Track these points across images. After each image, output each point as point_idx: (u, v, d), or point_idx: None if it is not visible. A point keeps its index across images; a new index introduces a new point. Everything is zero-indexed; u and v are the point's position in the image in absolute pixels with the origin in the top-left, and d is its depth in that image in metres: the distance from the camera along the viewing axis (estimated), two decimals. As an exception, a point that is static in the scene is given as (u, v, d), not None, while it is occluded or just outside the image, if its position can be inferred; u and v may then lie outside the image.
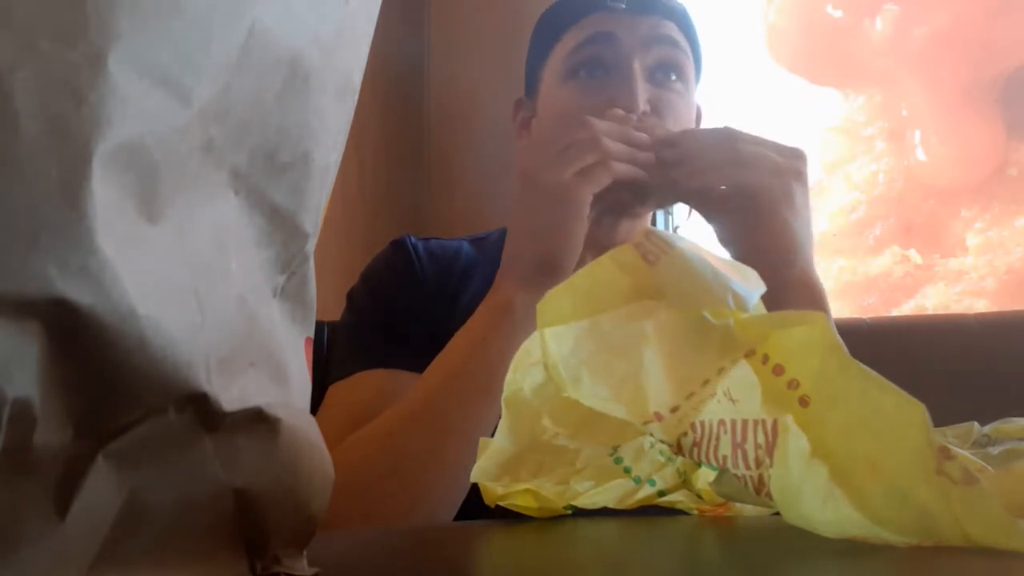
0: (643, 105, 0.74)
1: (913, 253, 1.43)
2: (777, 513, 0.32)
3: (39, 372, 0.18)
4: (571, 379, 0.34)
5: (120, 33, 0.20)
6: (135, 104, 0.20)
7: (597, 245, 0.80)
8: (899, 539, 0.27)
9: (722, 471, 0.34)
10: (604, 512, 0.42)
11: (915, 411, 0.27)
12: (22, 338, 0.18)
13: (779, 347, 0.30)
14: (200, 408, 0.22)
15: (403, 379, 0.71)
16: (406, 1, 1.46)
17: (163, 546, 0.22)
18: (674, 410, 0.33)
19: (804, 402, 0.29)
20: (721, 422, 0.32)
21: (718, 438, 0.33)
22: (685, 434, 0.35)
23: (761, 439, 0.31)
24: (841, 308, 1.40)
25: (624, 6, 0.77)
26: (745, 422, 0.31)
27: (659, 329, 0.32)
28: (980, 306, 1.38)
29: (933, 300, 1.41)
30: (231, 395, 0.23)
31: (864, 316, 1.17)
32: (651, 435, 0.38)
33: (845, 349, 0.29)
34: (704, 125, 0.87)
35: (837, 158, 1.50)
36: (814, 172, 1.51)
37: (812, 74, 1.53)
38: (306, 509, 0.27)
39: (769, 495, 0.31)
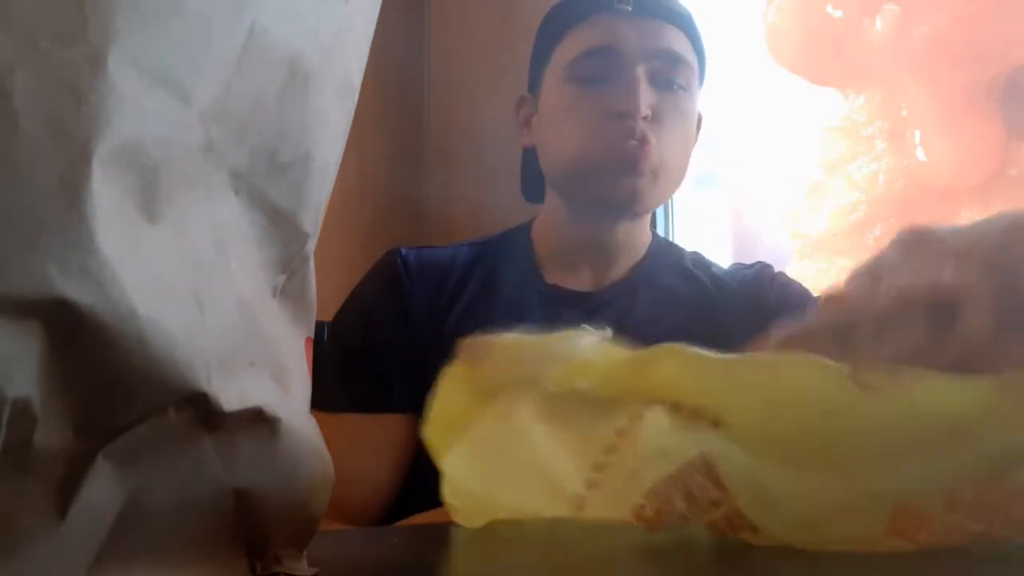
0: (645, 110, 0.74)
1: (913, 253, 1.43)
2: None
3: (39, 372, 0.18)
4: (487, 495, 0.35)
5: (119, 33, 0.20)
6: (135, 104, 0.20)
7: (599, 246, 0.80)
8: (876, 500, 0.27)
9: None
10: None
11: (807, 361, 0.28)
12: (22, 338, 0.18)
13: (671, 388, 0.31)
14: (200, 408, 0.22)
15: (384, 426, 0.71)
16: (406, 1, 1.46)
17: (163, 546, 0.22)
18: (593, 486, 0.33)
19: (718, 423, 0.30)
20: (666, 480, 0.32)
21: (670, 498, 0.33)
22: (643, 507, 0.34)
23: (703, 479, 0.31)
24: (841, 308, 1.40)
25: (630, 8, 0.76)
26: (680, 469, 0.31)
27: (539, 418, 0.33)
28: (980, 306, 1.38)
29: (933, 300, 1.41)
30: (231, 395, 0.23)
31: (864, 316, 1.17)
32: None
33: (699, 351, 0.30)
34: (703, 132, 0.86)
35: (837, 158, 1.50)
36: (814, 172, 1.51)
37: (812, 74, 1.53)
38: (306, 509, 0.27)
39: (750, 524, 0.31)
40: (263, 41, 0.24)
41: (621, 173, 0.74)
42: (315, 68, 0.26)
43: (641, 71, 0.75)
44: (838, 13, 1.48)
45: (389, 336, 0.75)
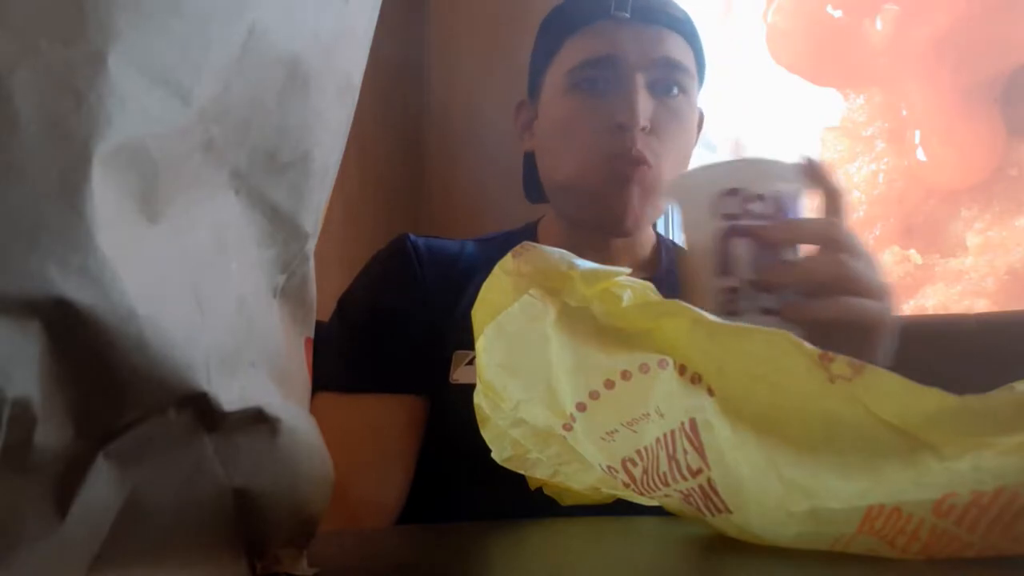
0: (643, 121, 0.74)
1: (913, 253, 1.43)
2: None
3: (39, 372, 0.18)
4: (500, 387, 0.37)
5: (119, 33, 0.20)
6: (135, 104, 0.20)
7: (601, 252, 0.80)
8: (845, 493, 0.27)
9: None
10: (601, 512, 0.42)
11: (781, 339, 0.28)
12: (23, 337, 0.18)
13: (675, 347, 0.31)
14: (200, 408, 0.22)
15: (402, 406, 0.71)
16: (406, 1, 1.46)
17: (163, 546, 0.22)
18: (581, 410, 0.34)
19: (712, 392, 0.30)
20: (657, 440, 0.33)
21: (657, 456, 0.33)
22: (634, 463, 0.35)
23: (687, 444, 0.31)
24: (841, 308, 1.40)
25: (628, 15, 0.76)
26: (673, 431, 0.32)
27: (556, 327, 0.34)
28: (980, 306, 1.38)
29: (933, 300, 1.41)
30: (231, 395, 0.23)
31: (864, 316, 1.16)
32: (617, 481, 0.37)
33: (709, 316, 0.30)
34: (705, 130, 0.86)
35: (837, 158, 1.50)
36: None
37: (812, 74, 1.53)
38: (306, 509, 0.27)
39: (723, 503, 0.31)
40: (263, 41, 0.24)
41: (615, 195, 0.74)
42: (315, 68, 0.26)
43: (640, 80, 0.75)
44: (838, 13, 1.48)
45: (403, 315, 0.74)
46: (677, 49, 0.77)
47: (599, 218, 0.77)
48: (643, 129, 0.73)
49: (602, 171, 0.74)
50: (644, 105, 0.74)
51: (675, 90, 0.77)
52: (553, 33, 0.81)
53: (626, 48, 0.75)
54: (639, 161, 0.73)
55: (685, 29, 0.79)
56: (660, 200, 0.77)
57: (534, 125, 0.84)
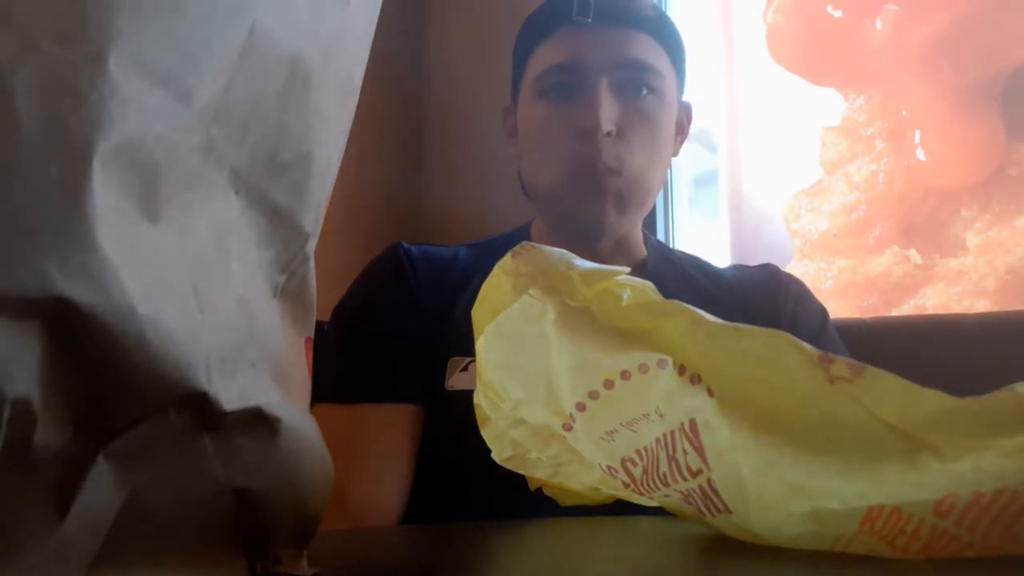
0: (607, 126, 0.73)
1: (913, 253, 1.43)
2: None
3: (39, 371, 0.18)
4: (499, 387, 0.37)
5: (120, 33, 0.20)
6: (135, 103, 0.20)
7: (589, 253, 0.80)
8: (846, 495, 0.27)
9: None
10: (601, 512, 0.42)
11: (780, 340, 0.28)
12: (22, 337, 0.18)
13: (674, 347, 0.31)
14: (200, 408, 0.22)
15: (401, 415, 0.71)
16: (406, 1, 1.47)
17: (163, 546, 0.22)
18: (580, 410, 0.34)
19: (711, 392, 0.30)
20: (656, 440, 0.33)
21: (656, 457, 0.33)
22: (634, 462, 0.35)
23: (687, 445, 0.31)
24: (841, 308, 1.40)
25: (590, 20, 0.75)
26: (672, 432, 0.32)
27: (556, 327, 0.34)
28: (980, 306, 1.38)
29: (933, 300, 1.41)
30: (231, 395, 0.23)
31: (864, 316, 1.17)
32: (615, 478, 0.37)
33: (707, 316, 0.30)
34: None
35: (837, 158, 1.50)
36: (814, 172, 1.51)
37: (812, 74, 1.53)
38: (306, 509, 0.27)
39: (723, 504, 0.31)
40: (264, 41, 0.24)
41: (590, 208, 0.75)
42: (316, 68, 0.26)
43: (604, 84, 0.74)
44: (838, 13, 1.48)
45: (398, 325, 0.74)
46: (644, 50, 0.77)
47: (577, 229, 0.78)
48: (608, 134, 0.73)
49: (574, 181, 0.75)
50: (608, 109, 0.74)
51: (644, 91, 0.76)
52: (524, 41, 0.82)
53: (589, 53, 0.75)
54: (608, 171, 0.74)
55: (654, 28, 0.78)
56: (639, 203, 0.78)
57: (517, 131, 0.84)
